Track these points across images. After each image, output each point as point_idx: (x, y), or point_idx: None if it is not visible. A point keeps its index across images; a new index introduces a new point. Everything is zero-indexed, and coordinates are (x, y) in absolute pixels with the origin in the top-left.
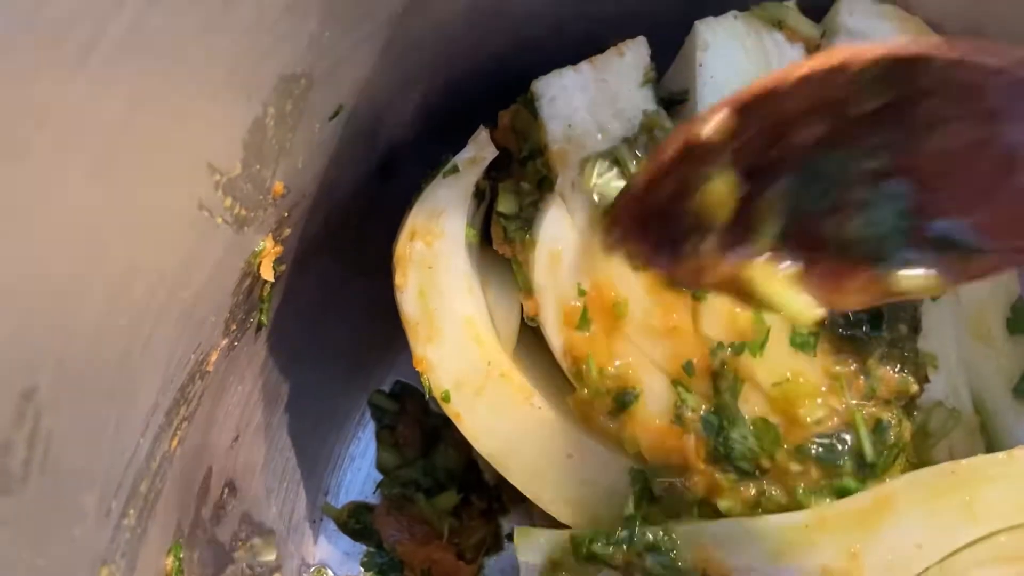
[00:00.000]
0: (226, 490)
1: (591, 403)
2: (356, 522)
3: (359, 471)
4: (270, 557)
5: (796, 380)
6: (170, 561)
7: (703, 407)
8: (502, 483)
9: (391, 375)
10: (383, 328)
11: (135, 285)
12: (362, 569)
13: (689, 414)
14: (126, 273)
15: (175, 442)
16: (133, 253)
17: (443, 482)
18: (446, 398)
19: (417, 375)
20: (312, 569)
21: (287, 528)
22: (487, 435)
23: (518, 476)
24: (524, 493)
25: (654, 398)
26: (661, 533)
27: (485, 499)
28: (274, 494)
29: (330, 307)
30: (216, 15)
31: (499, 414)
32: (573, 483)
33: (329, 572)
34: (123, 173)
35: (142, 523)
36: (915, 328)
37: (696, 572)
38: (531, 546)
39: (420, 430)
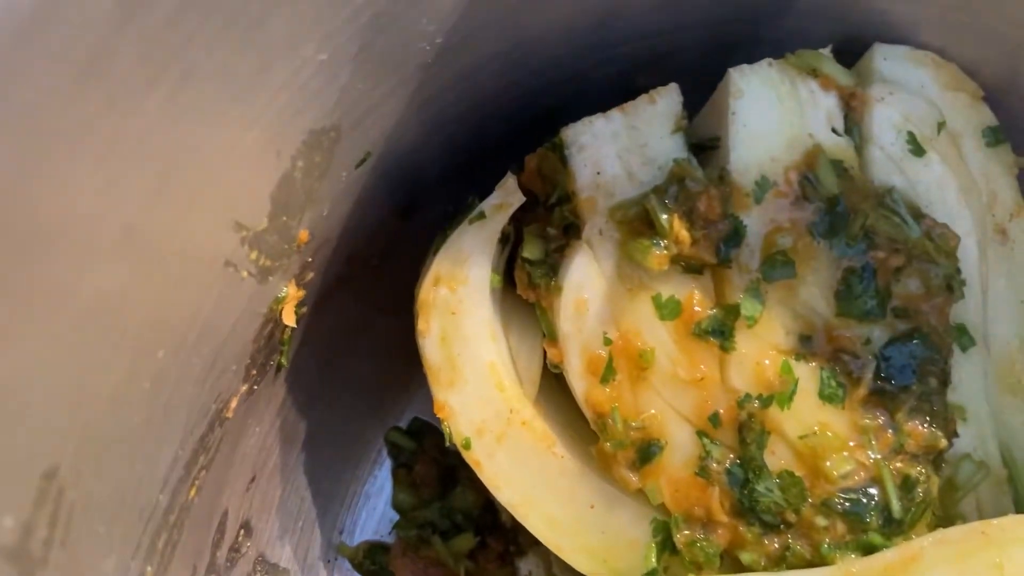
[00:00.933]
0: (242, 532)
1: (614, 454)
2: (371, 563)
3: (374, 510)
4: None
5: (823, 433)
6: None
7: (728, 459)
8: (519, 525)
9: (408, 412)
10: (401, 365)
11: (158, 349)
12: None
13: (714, 466)
14: (149, 338)
15: (193, 491)
16: (157, 318)
17: (460, 524)
18: (467, 445)
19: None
20: None
21: (301, 568)
22: (508, 484)
23: (538, 526)
24: (544, 543)
25: (679, 449)
26: None
27: (502, 541)
28: (289, 533)
29: (348, 345)
30: (251, 80)
31: (520, 462)
32: (594, 533)
33: None
34: (150, 242)
35: None
36: (944, 381)
37: None
38: None
39: (437, 469)
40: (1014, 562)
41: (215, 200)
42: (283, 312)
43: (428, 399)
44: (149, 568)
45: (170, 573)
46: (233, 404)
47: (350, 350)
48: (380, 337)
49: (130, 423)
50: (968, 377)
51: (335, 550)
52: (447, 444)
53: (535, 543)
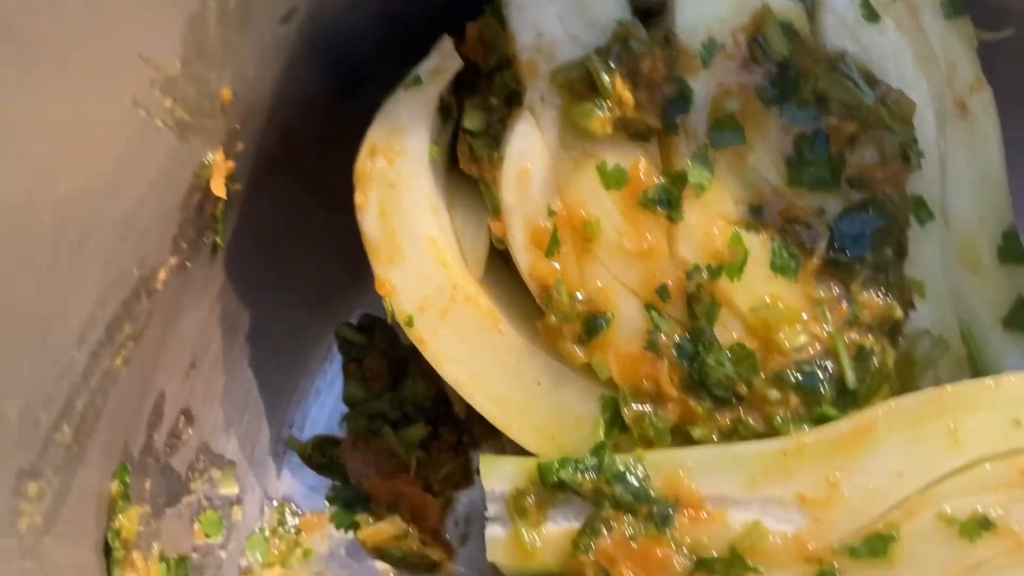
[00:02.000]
0: (182, 418)
1: (560, 329)
2: (321, 455)
3: (325, 405)
4: (231, 490)
5: (775, 305)
6: (115, 485)
7: (677, 332)
8: (473, 416)
9: (359, 308)
10: (350, 259)
11: (58, 181)
12: (327, 504)
13: (663, 339)
14: (48, 168)
15: (119, 360)
16: (55, 142)
17: (411, 415)
18: (409, 323)
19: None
20: (275, 503)
21: (248, 461)
22: (452, 361)
23: (484, 404)
24: (491, 422)
25: (626, 323)
26: (632, 461)
27: (455, 432)
28: (235, 425)
29: (292, 234)
30: None
31: (465, 339)
32: (541, 410)
33: (293, 506)
34: (44, 66)
35: (80, 441)
36: (900, 253)
37: (667, 501)
38: (497, 474)
39: (388, 363)
40: (968, 427)
41: (115, 21)
42: (211, 181)
43: (378, 295)
44: (67, 427)
45: (95, 441)
46: (162, 275)
47: (295, 241)
48: (327, 231)
49: (28, 256)
50: (927, 253)
51: (284, 444)
52: (389, 321)
53: (489, 435)
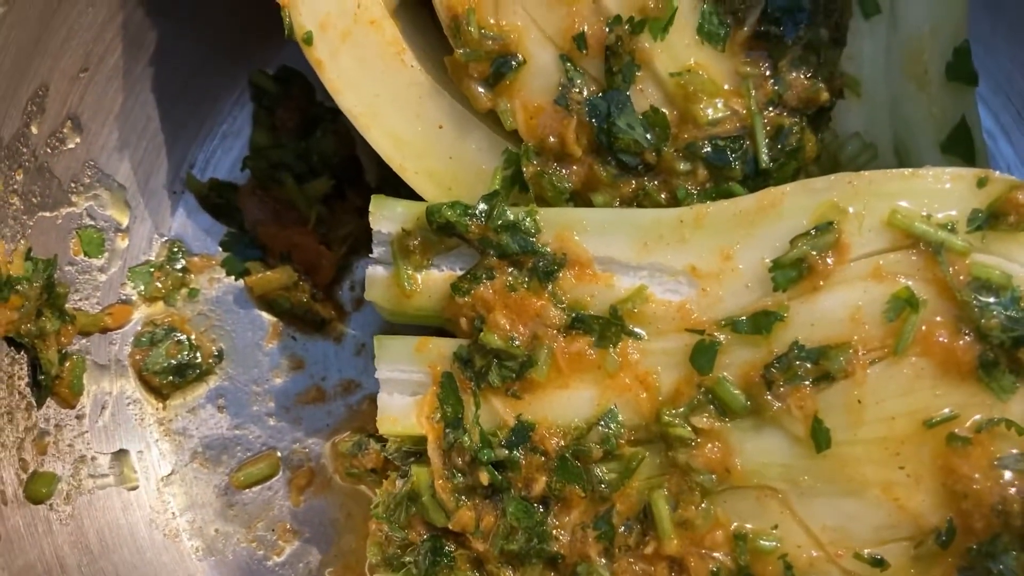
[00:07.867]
0: (69, 123)
1: (467, 66)
2: (219, 196)
3: (230, 151)
4: (119, 216)
5: (698, 73)
6: None
7: (591, 89)
8: (384, 184)
9: (279, 60)
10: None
11: None
12: (220, 249)
13: (575, 94)
14: None
15: None
16: None
17: (316, 169)
18: (308, 40)
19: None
20: (165, 240)
21: (141, 190)
22: (351, 88)
23: (380, 140)
24: (387, 162)
25: (539, 71)
26: (524, 213)
27: (362, 197)
28: (130, 149)
29: None
30: None
31: (366, 66)
32: (441, 157)
33: (184, 247)
34: None
35: None
36: (837, 40)
37: (555, 256)
38: (387, 215)
39: (300, 117)
40: (869, 208)
41: None
42: None
43: (299, 50)
44: None
45: None
46: None
47: None
48: None
49: None
50: (868, 49)
51: (182, 184)
52: (285, 36)
53: None
